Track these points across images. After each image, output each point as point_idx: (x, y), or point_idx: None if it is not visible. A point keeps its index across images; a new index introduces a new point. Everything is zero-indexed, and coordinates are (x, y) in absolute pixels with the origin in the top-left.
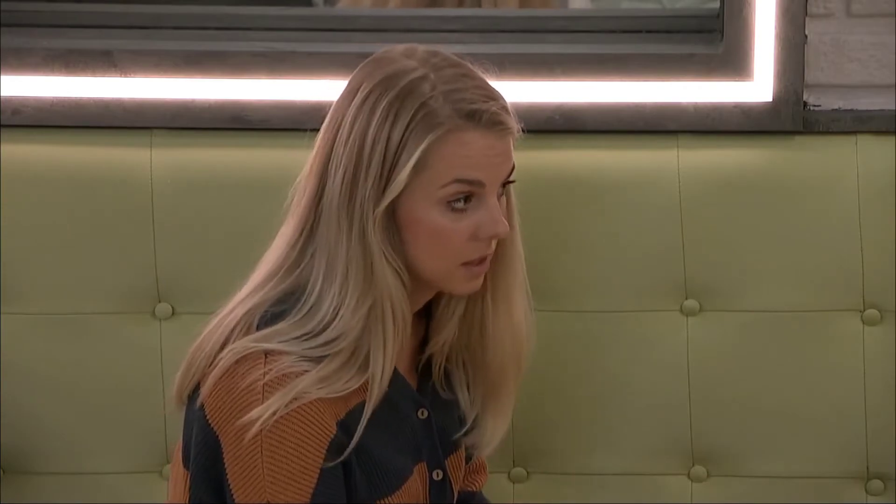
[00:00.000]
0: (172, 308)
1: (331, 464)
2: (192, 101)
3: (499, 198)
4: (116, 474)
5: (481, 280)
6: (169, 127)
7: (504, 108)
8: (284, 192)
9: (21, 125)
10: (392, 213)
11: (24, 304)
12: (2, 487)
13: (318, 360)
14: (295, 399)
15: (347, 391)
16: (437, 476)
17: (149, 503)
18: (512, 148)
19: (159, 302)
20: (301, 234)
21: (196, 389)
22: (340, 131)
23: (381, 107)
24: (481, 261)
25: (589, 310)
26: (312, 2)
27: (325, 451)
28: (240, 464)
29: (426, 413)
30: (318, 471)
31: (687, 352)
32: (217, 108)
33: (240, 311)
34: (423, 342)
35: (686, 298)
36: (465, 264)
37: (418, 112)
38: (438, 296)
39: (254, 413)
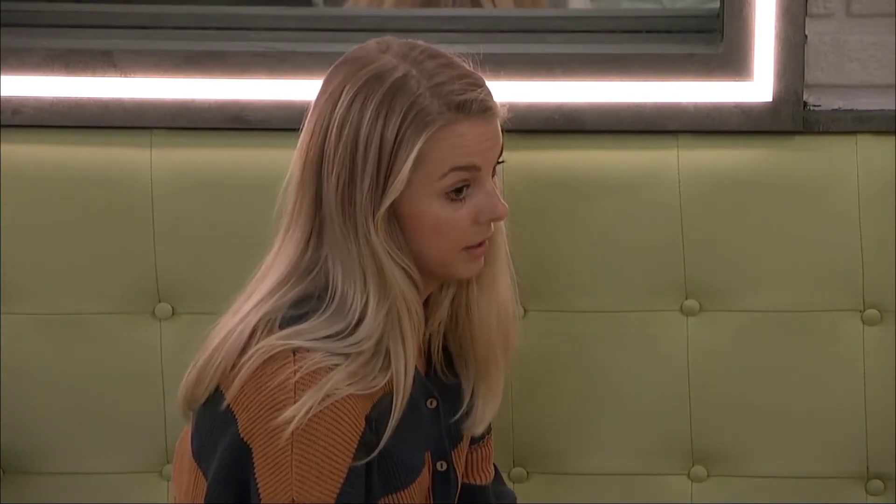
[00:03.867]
0: (172, 308)
1: (359, 463)
2: (192, 101)
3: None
4: (116, 474)
5: (482, 262)
6: (169, 127)
7: (489, 92)
8: None
9: (21, 125)
10: (392, 211)
11: (24, 304)
12: (2, 487)
13: (345, 356)
14: (328, 396)
15: (375, 388)
16: (442, 467)
17: (149, 503)
18: (500, 129)
19: (159, 302)
20: (309, 241)
21: (214, 394)
22: (329, 136)
23: (370, 109)
24: (481, 243)
25: (589, 310)
26: (312, 2)
27: (355, 450)
28: (270, 463)
29: (435, 403)
30: (347, 470)
31: (687, 352)
32: (217, 108)
33: (254, 318)
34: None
35: (686, 298)
36: (466, 248)
37: (409, 111)
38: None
39: (288, 412)
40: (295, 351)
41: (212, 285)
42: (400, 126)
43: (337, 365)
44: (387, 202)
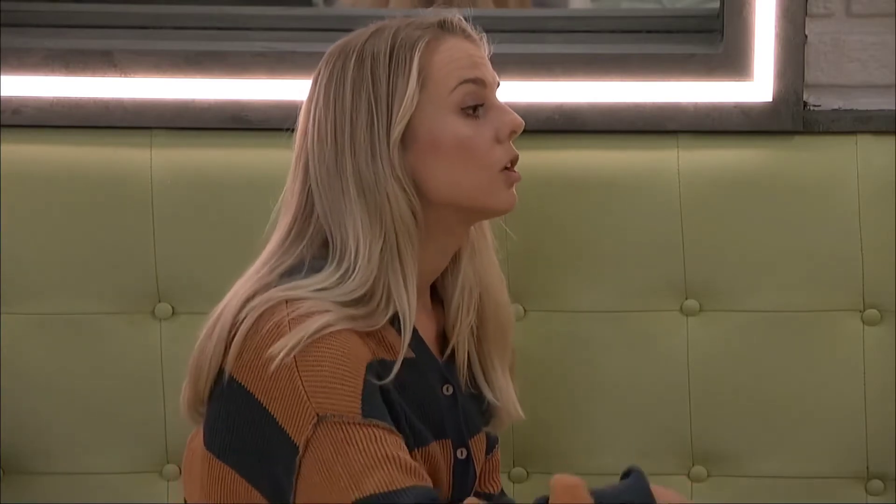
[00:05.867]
0: (172, 308)
1: (373, 381)
2: (192, 101)
3: None
4: (116, 474)
5: (515, 194)
6: (169, 127)
7: (466, 21)
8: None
9: (21, 125)
10: (411, 143)
11: (24, 304)
12: (2, 487)
13: (340, 304)
14: (324, 327)
15: (373, 328)
16: (462, 455)
17: (149, 503)
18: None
19: (159, 302)
20: (296, 219)
21: (218, 374)
22: (315, 107)
23: (351, 66)
24: (514, 164)
25: (589, 310)
26: (312, 2)
27: (365, 367)
28: (281, 396)
29: (451, 389)
30: (363, 379)
31: (687, 352)
32: (217, 108)
33: (244, 291)
34: (443, 334)
35: (686, 298)
36: (502, 170)
37: (393, 45)
38: (452, 282)
39: (280, 342)
40: (287, 300)
41: (212, 285)
42: (389, 54)
43: (330, 311)
44: (398, 127)
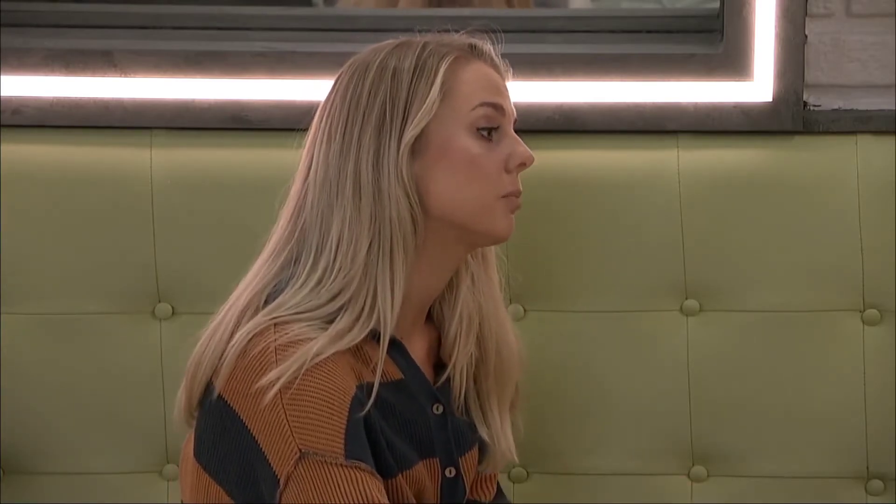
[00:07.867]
0: (172, 308)
1: (357, 415)
2: (192, 101)
3: None
4: (116, 474)
5: (513, 222)
6: (169, 127)
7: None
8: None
9: (21, 125)
10: (422, 150)
11: (24, 304)
12: (2, 487)
13: (328, 319)
14: (315, 355)
15: (357, 340)
16: (450, 473)
17: (149, 503)
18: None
19: (159, 302)
20: (290, 219)
21: (207, 388)
22: (329, 109)
23: (373, 70)
24: (516, 194)
25: (589, 310)
26: (312, 2)
27: (350, 402)
28: (267, 428)
29: (442, 408)
30: (348, 416)
31: (687, 352)
32: (217, 108)
33: (240, 304)
34: (437, 355)
35: (686, 298)
36: (504, 197)
37: (420, 54)
38: (450, 310)
39: (271, 374)
40: (276, 324)
41: (212, 285)
42: (415, 63)
43: (316, 338)
44: (413, 131)
